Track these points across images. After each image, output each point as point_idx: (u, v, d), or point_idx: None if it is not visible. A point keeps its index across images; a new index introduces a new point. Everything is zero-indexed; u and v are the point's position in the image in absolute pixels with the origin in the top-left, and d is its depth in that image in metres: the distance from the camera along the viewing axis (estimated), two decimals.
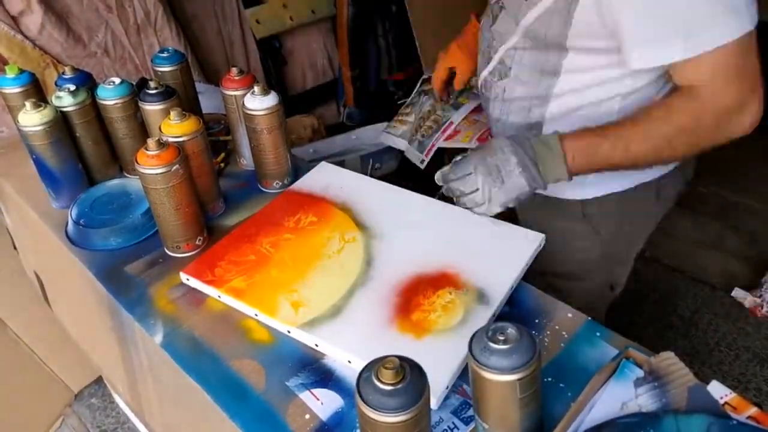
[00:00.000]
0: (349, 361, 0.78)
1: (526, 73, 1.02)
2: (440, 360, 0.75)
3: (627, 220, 1.12)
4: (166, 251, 1.00)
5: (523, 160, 0.90)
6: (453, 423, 0.72)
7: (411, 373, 0.58)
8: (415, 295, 0.85)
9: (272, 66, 2.47)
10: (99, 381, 1.90)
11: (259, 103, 1.04)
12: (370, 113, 2.53)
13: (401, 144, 2.07)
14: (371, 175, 2.27)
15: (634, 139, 0.88)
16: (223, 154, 1.24)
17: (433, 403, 0.71)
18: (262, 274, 0.90)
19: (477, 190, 0.92)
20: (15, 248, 1.51)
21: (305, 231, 0.98)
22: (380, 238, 0.95)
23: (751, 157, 2.85)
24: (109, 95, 1.08)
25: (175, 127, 0.97)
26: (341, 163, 2.23)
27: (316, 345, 0.81)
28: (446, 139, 1.83)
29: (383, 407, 0.56)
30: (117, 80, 1.10)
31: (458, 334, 0.79)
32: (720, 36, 0.79)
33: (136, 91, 1.12)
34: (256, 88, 1.04)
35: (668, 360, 0.69)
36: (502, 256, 0.90)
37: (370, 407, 0.57)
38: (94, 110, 1.11)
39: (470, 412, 0.73)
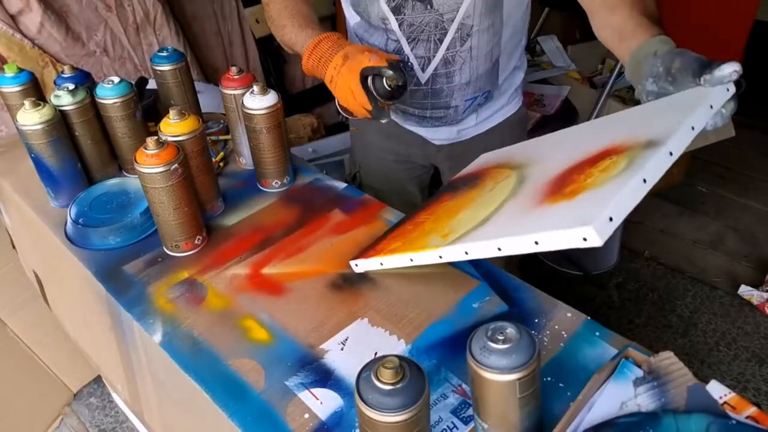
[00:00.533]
0: (499, 248, 0.70)
1: (486, 19, 1.08)
2: (598, 200, 0.64)
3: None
4: (165, 250, 1.00)
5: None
6: (452, 422, 0.72)
7: (410, 373, 0.58)
8: (569, 176, 0.74)
9: (271, 65, 2.47)
10: (98, 380, 1.89)
11: (259, 102, 1.04)
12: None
13: None
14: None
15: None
16: (222, 154, 1.24)
17: (598, 241, 0.60)
18: (418, 231, 0.89)
19: None
20: (14, 247, 1.50)
21: (462, 192, 0.94)
22: (535, 165, 0.86)
23: (750, 157, 2.86)
24: (108, 94, 1.08)
25: (174, 126, 0.97)
26: (339, 163, 2.25)
27: (466, 252, 0.74)
28: None
29: (383, 407, 0.56)
30: (116, 79, 1.09)
31: (620, 177, 0.66)
32: None
33: (136, 90, 1.12)
34: (255, 87, 1.04)
35: (667, 359, 0.68)
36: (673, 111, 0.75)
37: (370, 407, 0.57)
38: (93, 109, 1.10)
39: (470, 411, 0.73)
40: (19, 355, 1.75)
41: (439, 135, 1.31)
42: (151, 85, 1.30)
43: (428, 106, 1.22)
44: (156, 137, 0.90)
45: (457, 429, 0.71)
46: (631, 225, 2.40)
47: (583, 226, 0.60)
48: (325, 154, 2.33)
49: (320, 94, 2.66)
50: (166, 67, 1.18)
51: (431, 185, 1.49)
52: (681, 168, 2.64)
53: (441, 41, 1.11)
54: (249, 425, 0.73)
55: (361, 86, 0.94)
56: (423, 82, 1.17)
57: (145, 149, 0.90)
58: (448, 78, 1.16)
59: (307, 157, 2.23)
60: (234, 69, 1.10)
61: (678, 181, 2.66)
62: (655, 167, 0.65)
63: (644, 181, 0.63)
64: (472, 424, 0.71)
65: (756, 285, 2.13)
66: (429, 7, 1.07)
